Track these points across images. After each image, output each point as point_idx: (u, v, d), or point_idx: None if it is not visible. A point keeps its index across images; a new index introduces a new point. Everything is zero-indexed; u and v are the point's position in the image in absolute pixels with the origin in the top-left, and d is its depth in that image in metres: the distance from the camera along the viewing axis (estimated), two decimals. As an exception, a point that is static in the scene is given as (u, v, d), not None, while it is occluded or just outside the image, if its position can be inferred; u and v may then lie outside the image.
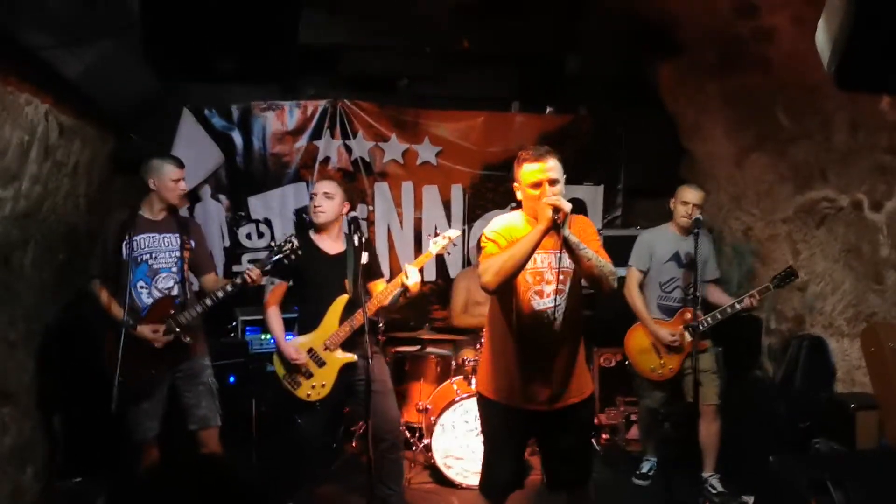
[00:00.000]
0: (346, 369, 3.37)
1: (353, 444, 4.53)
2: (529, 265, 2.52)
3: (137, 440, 3.22)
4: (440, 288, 5.23)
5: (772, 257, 4.48)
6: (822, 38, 1.78)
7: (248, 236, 4.99)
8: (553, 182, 2.52)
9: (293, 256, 3.21)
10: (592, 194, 5.40)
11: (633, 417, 4.63)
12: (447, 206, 5.24)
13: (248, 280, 3.17)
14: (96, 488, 3.61)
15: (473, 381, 3.92)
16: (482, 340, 3.39)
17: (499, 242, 2.58)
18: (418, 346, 4.69)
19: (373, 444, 3.18)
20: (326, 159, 5.02)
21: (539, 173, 2.53)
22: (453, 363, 4.33)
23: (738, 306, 3.70)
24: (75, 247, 3.89)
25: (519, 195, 2.66)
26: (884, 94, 3.11)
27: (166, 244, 3.30)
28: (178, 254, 3.31)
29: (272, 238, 4.93)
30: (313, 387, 3.35)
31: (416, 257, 3.67)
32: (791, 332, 4.31)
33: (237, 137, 4.88)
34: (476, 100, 5.24)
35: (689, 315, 3.73)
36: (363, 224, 5.07)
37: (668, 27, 4.28)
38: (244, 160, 4.92)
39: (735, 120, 4.46)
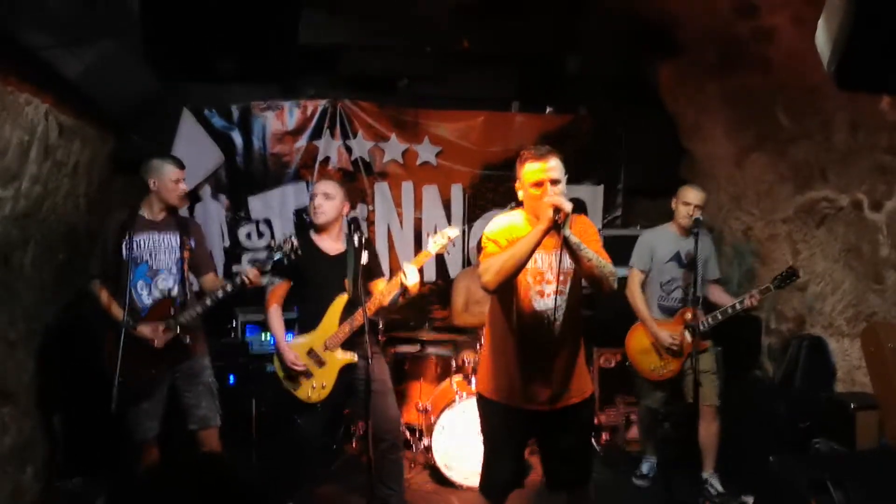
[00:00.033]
0: (346, 369, 3.37)
1: (353, 445, 4.52)
2: (530, 265, 2.52)
3: (137, 440, 3.21)
4: (440, 288, 5.23)
5: (772, 257, 4.48)
6: (822, 38, 1.78)
7: (248, 236, 4.99)
8: (555, 182, 2.52)
9: (293, 256, 3.20)
10: (592, 194, 5.40)
11: (633, 417, 4.63)
12: (447, 205, 5.24)
13: (246, 281, 3.17)
14: (96, 488, 3.61)
15: (473, 381, 3.92)
16: (482, 340, 3.39)
17: (499, 242, 2.58)
18: (418, 346, 4.69)
19: (373, 444, 3.17)
20: (326, 159, 5.02)
21: (541, 172, 2.53)
22: (453, 363, 4.33)
23: (738, 307, 3.69)
24: (75, 247, 3.89)
25: (520, 194, 2.66)
26: (884, 94, 3.11)
27: (166, 244, 3.30)
28: (177, 254, 3.30)
29: (272, 238, 4.93)
30: (313, 387, 3.35)
31: (416, 257, 3.67)
32: (791, 332, 4.31)
33: (237, 137, 4.88)
34: (476, 100, 5.25)
35: (689, 315, 3.73)
36: (363, 224, 5.07)
37: (668, 27, 4.28)
38: (244, 160, 4.92)
39: (735, 120, 4.46)
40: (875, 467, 3.04)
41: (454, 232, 3.48)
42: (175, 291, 3.27)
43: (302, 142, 4.97)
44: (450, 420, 3.92)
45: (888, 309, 3.56)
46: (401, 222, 5.20)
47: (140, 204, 3.32)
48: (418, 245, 5.14)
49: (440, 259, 5.19)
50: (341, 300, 3.34)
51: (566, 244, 2.43)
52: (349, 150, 5.04)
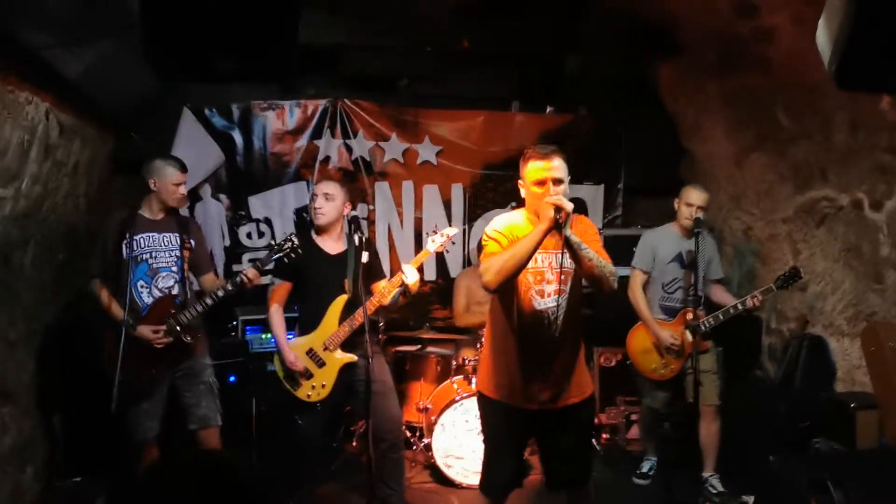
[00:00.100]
0: (346, 369, 3.37)
1: (354, 444, 4.53)
2: (530, 265, 2.52)
3: (137, 440, 3.21)
4: (440, 287, 5.23)
5: (772, 257, 4.48)
6: (822, 38, 1.78)
7: (249, 235, 4.99)
8: (557, 181, 2.53)
9: (293, 255, 3.20)
10: (592, 194, 5.40)
11: (634, 417, 4.63)
12: (447, 205, 5.24)
13: (245, 280, 3.17)
14: (96, 488, 3.61)
15: (474, 380, 3.93)
16: (482, 340, 3.39)
17: (500, 241, 2.58)
18: (418, 346, 4.69)
19: (373, 443, 3.17)
20: (327, 159, 5.02)
21: (544, 171, 2.53)
22: (453, 363, 4.33)
23: (740, 307, 3.69)
24: (75, 247, 3.89)
25: (522, 192, 2.66)
26: (884, 94, 3.11)
27: (166, 243, 3.30)
28: (178, 253, 3.30)
29: (272, 237, 4.93)
30: (313, 387, 3.35)
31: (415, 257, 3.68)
32: (791, 331, 4.31)
33: (237, 137, 4.88)
34: (476, 100, 5.25)
35: (690, 315, 3.73)
36: (363, 223, 5.07)
37: (668, 27, 4.28)
38: (244, 159, 4.92)
39: (735, 120, 4.46)
40: (875, 467, 3.04)
41: (453, 231, 3.49)
42: (175, 291, 3.27)
43: (302, 141, 4.97)
44: (450, 419, 3.92)
45: (888, 309, 3.56)
46: (401, 222, 5.20)
47: (140, 204, 3.33)
48: (418, 245, 5.13)
49: (440, 258, 5.19)
50: (341, 300, 3.34)
51: (567, 244, 2.44)
52: (349, 149, 5.04)
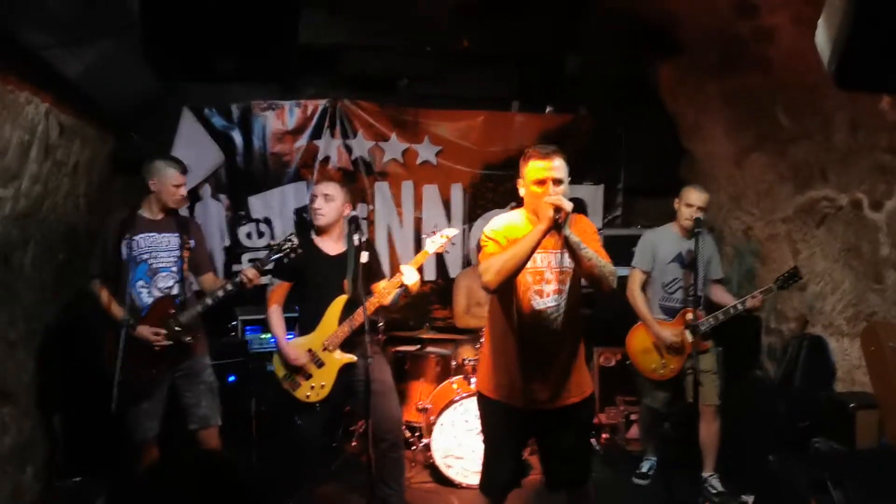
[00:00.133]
0: (346, 370, 3.36)
1: (354, 444, 4.52)
2: (530, 265, 2.52)
3: (137, 440, 3.21)
4: (440, 287, 5.24)
5: (772, 257, 4.48)
6: (822, 38, 1.78)
7: (249, 235, 4.99)
8: (557, 181, 2.53)
9: (293, 255, 3.20)
10: (592, 194, 5.41)
11: (633, 417, 4.63)
12: (447, 205, 5.25)
13: (245, 280, 3.16)
14: (96, 488, 3.61)
15: (473, 380, 3.92)
16: (482, 340, 3.39)
17: (499, 241, 2.58)
18: (418, 346, 4.69)
19: (373, 443, 3.17)
20: (326, 158, 5.02)
21: (545, 171, 2.53)
22: (453, 363, 4.33)
23: (740, 307, 3.69)
24: (75, 247, 3.89)
25: (522, 192, 2.66)
26: (884, 94, 3.11)
27: (166, 244, 3.30)
28: (177, 253, 3.30)
29: (272, 237, 4.94)
30: (312, 387, 3.34)
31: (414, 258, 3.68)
32: (791, 331, 4.31)
33: (237, 137, 4.89)
34: (476, 100, 5.25)
35: (690, 315, 3.73)
36: (363, 224, 5.07)
37: (668, 27, 4.28)
38: (244, 159, 4.92)
39: (735, 120, 4.46)
40: (875, 467, 3.05)
41: (453, 231, 3.49)
42: (175, 291, 3.27)
43: (302, 141, 4.97)
44: (450, 419, 3.92)
45: (888, 308, 3.57)
46: (401, 222, 5.20)
47: (140, 204, 3.33)
48: (418, 244, 5.14)
49: (440, 258, 5.19)
50: (340, 300, 3.34)
51: (566, 244, 2.44)
52: (349, 149, 5.04)
